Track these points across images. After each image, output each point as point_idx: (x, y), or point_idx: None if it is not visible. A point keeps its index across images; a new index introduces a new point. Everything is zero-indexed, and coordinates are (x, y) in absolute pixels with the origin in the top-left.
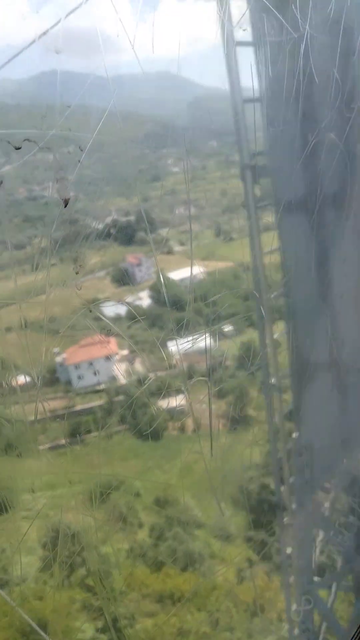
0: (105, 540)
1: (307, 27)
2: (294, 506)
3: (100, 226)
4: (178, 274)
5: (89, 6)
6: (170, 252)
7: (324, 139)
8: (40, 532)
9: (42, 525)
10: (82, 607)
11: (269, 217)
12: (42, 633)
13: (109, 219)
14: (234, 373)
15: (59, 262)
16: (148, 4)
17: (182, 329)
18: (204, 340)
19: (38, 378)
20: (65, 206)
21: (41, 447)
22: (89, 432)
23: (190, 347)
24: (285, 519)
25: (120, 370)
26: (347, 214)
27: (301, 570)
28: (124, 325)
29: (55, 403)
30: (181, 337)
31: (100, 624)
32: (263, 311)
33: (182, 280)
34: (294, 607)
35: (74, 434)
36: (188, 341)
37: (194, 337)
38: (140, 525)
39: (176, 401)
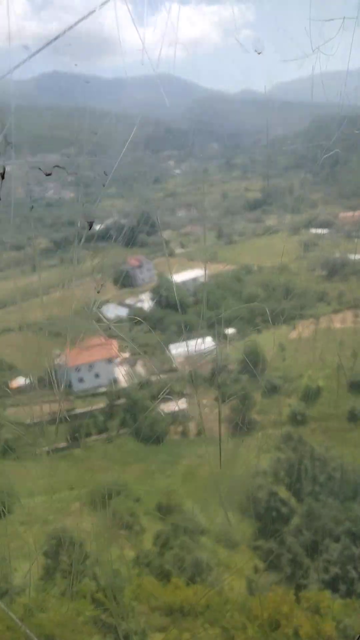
0: (109, 548)
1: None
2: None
3: (101, 227)
4: (180, 277)
5: (91, 9)
6: (171, 254)
7: None
8: (41, 539)
9: (41, 531)
10: (89, 621)
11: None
12: None
13: (109, 221)
14: (237, 377)
15: (59, 263)
16: (149, 8)
17: (184, 331)
18: (206, 344)
19: (40, 380)
20: (90, 229)
21: (40, 451)
22: (89, 435)
23: (193, 351)
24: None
25: (121, 373)
26: None
27: None
28: (125, 327)
29: (54, 406)
30: (183, 339)
31: (109, 639)
32: None
33: (184, 282)
34: None
35: (75, 437)
36: (195, 345)
37: (197, 340)
38: (144, 532)
39: (177, 405)
